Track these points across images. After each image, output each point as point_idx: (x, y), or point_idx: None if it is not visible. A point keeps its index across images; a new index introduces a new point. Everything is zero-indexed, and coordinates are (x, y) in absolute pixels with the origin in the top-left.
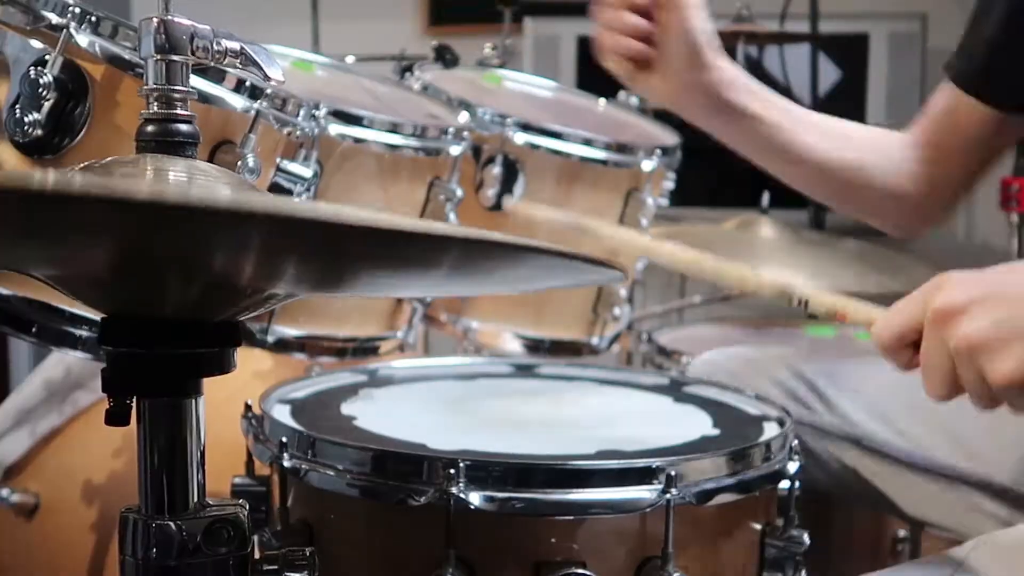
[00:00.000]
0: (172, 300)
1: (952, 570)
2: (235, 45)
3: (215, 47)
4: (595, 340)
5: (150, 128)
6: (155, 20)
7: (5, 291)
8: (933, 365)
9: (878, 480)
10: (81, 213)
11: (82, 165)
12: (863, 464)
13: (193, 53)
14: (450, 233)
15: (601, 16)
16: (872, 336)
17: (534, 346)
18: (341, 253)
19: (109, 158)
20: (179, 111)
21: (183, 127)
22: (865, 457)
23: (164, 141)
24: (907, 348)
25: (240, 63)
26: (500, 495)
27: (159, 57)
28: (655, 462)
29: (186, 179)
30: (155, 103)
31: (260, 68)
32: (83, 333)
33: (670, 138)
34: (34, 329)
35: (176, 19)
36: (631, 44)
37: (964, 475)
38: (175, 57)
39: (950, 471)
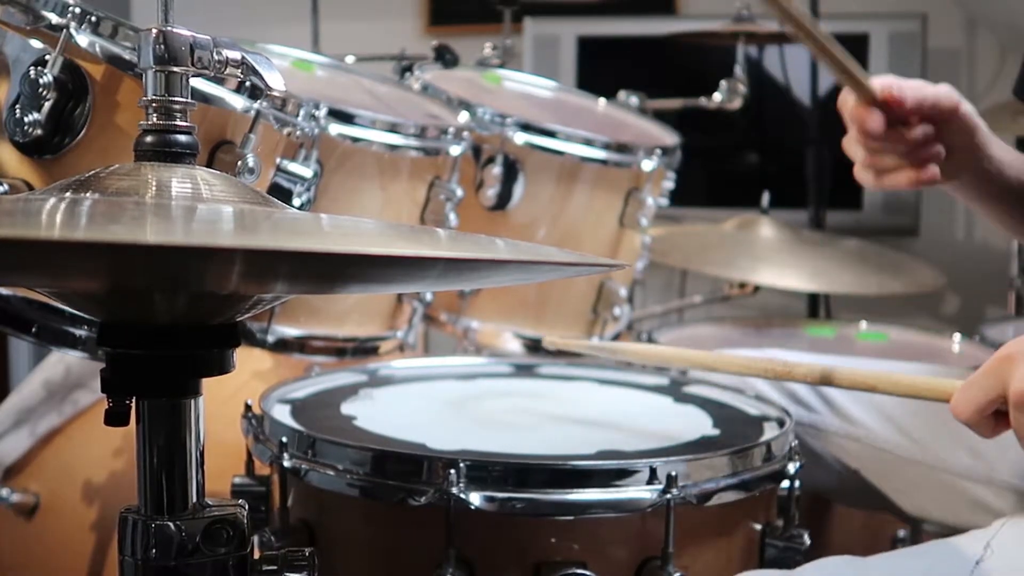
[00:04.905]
0: (166, 311)
1: (982, 548)
2: (236, 55)
3: (215, 57)
4: (595, 340)
5: (149, 139)
6: (154, 30)
7: (5, 291)
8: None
9: (880, 479)
10: (82, 257)
11: (80, 177)
12: (865, 463)
13: (193, 64)
14: (432, 254)
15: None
16: (951, 411)
17: (534, 346)
18: (329, 275)
19: (108, 168)
20: (178, 122)
21: (182, 138)
22: (867, 456)
23: (163, 152)
24: (988, 419)
25: (241, 72)
26: (500, 495)
27: (158, 68)
28: (655, 462)
29: (190, 191)
30: (154, 114)
31: (261, 78)
32: (83, 333)
33: (670, 138)
34: (34, 329)
35: (176, 29)
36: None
37: (968, 472)
38: (175, 68)
39: (953, 468)
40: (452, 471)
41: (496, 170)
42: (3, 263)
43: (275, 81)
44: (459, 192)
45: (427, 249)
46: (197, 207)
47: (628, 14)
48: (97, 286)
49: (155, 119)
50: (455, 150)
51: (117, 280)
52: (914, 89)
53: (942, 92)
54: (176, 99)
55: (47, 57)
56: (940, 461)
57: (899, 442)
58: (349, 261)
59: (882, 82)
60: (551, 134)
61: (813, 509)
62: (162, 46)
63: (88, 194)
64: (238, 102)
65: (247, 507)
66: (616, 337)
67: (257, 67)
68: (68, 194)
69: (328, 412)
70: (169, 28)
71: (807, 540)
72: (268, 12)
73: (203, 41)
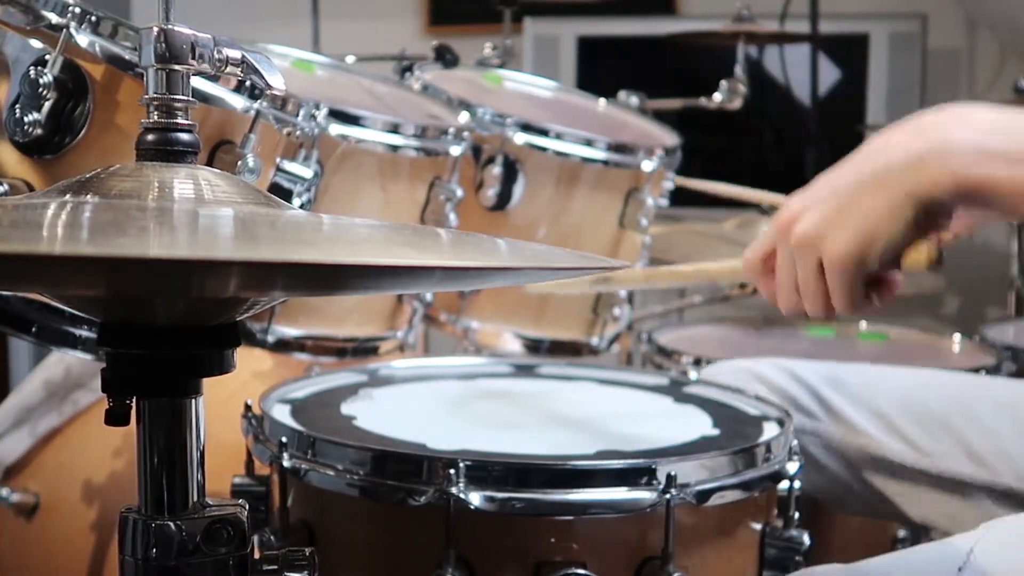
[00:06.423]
0: (166, 312)
1: (966, 553)
2: (236, 53)
3: (216, 55)
4: (595, 340)
5: (150, 137)
6: (155, 29)
7: (5, 291)
8: (781, 271)
9: (883, 487)
10: (83, 270)
11: (82, 178)
12: (867, 472)
13: (194, 62)
14: (437, 263)
15: None
16: (743, 265)
17: (534, 346)
18: (330, 283)
19: (109, 168)
20: (180, 120)
21: (184, 136)
22: (870, 464)
23: (164, 150)
24: (770, 272)
25: (242, 71)
26: (500, 495)
27: (159, 66)
28: (655, 462)
29: (192, 192)
30: (155, 112)
31: (262, 76)
32: (83, 333)
33: (670, 138)
34: (34, 329)
35: (177, 28)
36: None
37: (971, 478)
38: (176, 66)
39: (956, 475)
40: (452, 471)
41: (496, 170)
42: (2, 275)
43: (275, 80)
44: (459, 192)
45: (430, 256)
46: (199, 214)
47: (628, 14)
48: (96, 294)
49: (156, 117)
50: (455, 150)
51: (116, 289)
52: None
53: None
54: (177, 97)
55: (47, 57)
56: (943, 468)
57: (901, 449)
58: (351, 271)
59: None
60: (551, 134)
61: (813, 512)
62: (163, 44)
63: (89, 196)
64: (238, 102)
65: (247, 507)
66: (616, 338)
67: (257, 66)
68: (69, 196)
69: (328, 412)
70: (170, 26)
71: (807, 541)
72: (268, 12)
73: (204, 40)
